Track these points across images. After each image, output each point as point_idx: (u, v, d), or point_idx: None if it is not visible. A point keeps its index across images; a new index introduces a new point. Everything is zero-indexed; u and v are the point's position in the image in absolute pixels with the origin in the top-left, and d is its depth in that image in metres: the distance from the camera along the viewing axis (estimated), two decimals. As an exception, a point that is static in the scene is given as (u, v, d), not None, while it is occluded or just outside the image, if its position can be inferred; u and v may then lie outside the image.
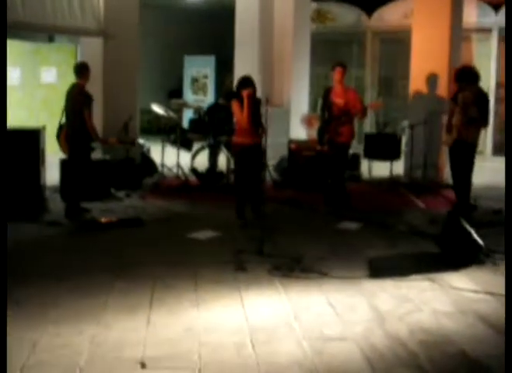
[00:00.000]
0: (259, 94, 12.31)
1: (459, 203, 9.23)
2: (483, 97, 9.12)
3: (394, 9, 17.62)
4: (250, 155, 8.85)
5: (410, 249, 7.78)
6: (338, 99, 9.53)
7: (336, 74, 9.56)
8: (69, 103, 9.05)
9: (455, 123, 9.01)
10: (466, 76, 9.11)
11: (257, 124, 8.79)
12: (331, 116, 9.57)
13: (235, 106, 8.82)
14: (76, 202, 9.16)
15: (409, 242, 8.04)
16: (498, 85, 16.30)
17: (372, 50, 18.28)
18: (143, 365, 4.46)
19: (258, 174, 8.94)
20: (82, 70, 9.11)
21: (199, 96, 19.81)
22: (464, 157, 9.09)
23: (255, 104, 8.81)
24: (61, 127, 9.48)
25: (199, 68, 20.02)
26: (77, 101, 8.95)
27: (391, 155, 12.20)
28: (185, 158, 11.69)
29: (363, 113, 9.69)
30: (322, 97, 9.91)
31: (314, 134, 10.18)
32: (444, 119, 10.36)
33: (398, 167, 12.57)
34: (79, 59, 13.26)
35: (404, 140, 12.72)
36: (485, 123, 9.21)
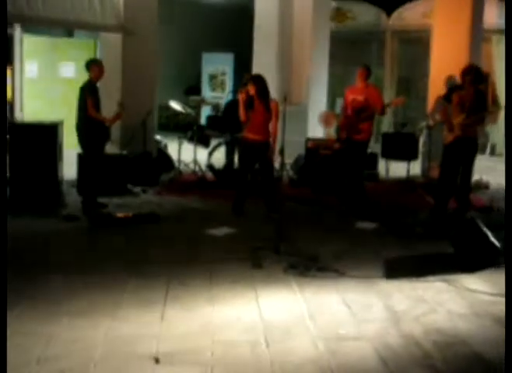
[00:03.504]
0: (277, 92, 12.33)
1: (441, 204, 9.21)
2: (481, 94, 9.08)
3: (414, 9, 17.56)
4: (257, 152, 9.01)
5: (426, 250, 7.73)
6: (358, 96, 9.58)
7: (360, 73, 9.67)
8: (78, 97, 9.13)
9: (458, 122, 8.90)
10: (479, 77, 8.99)
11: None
12: (349, 113, 9.60)
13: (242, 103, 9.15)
14: (92, 197, 9.20)
15: (426, 243, 8.00)
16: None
17: (391, 50, 18.19)
18: (157, 360, 4.47)
19: (269, 171, 9.06)
20: (88, 65, 9.23)
21: (217, 93, 19.83)
22: (473, 154, 9.05)
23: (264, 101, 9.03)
24: None
25: (217, 65, 20.04)
26: (83, 93, 9.05)
27: (409, 155, 12.15)
28: (202, 154, 11.69)
29: (382, 110, 9.70)
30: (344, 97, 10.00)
31: (332, 132, 10.18)
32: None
33: (415, 167, 12.53)
34: (98, 55, 13.31)
35: (421, 140, 12.68)
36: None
